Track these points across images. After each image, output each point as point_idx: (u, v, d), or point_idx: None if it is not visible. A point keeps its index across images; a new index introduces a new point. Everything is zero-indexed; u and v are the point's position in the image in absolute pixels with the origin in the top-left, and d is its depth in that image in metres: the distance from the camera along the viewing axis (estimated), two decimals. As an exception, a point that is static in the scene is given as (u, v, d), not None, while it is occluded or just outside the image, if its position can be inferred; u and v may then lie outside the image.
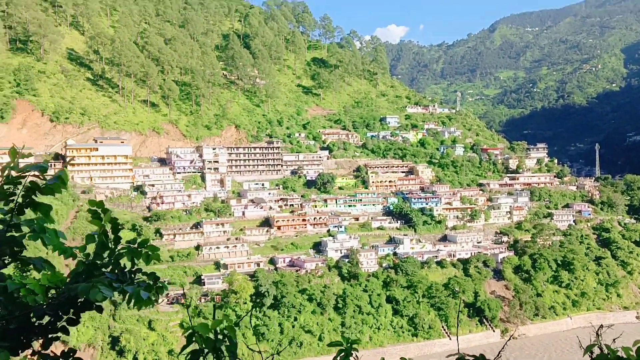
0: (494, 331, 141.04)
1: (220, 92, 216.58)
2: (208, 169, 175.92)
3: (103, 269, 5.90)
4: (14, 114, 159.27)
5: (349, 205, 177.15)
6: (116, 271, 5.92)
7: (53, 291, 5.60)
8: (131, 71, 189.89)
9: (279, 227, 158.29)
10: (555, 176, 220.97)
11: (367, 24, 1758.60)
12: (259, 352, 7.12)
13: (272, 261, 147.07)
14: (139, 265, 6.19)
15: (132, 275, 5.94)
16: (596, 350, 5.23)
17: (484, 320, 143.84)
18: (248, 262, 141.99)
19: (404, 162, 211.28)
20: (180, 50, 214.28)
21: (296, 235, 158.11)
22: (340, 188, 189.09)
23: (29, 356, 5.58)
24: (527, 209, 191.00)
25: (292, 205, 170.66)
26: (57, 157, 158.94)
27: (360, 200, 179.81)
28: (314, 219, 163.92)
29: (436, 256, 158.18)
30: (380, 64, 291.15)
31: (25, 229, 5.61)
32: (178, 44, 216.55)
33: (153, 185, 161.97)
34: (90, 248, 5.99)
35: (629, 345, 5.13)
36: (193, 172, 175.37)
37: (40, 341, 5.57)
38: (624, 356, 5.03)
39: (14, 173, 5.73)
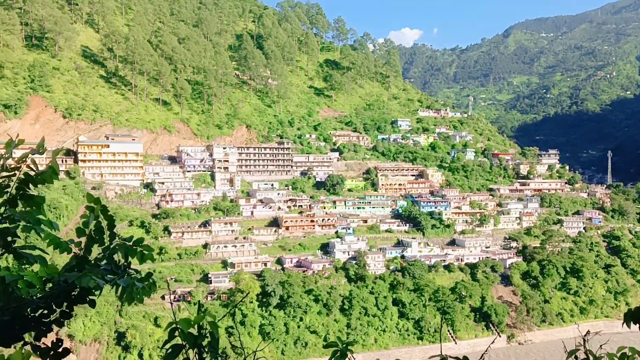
0: (500, 336, 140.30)
1: (232, 92, 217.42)
2: (218, 168, 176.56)
3: (98, 263, 5.95)
4: (28, 110, 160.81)
5: (358, 208, 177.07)
6: (110, 265, 5.98)
7: (50, 284, 5.65)
8: (144, 69, 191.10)
9: (287, 228, 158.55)
10: (566, 183, 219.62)
11: (381, 26, 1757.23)
12: (241, 347, 7.21)
13: (279, 261, 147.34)
14: (134, 264, 6.28)
15: (126, 269, 6.00)
16: (581, 356, 5.38)
17: (491, 325, 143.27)
18: (255, 261, 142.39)
19: (414, 165, 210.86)
20: (194, 50, 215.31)
21: (304, 236, 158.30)
22: (349, 190, 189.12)
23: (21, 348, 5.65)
24: (537, 215, 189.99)
25: (301, 206, 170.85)
26: (69, 153, 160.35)
27: (369, 202, 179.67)
28: (322, 220, 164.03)
29: (444, 260, 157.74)
30: (393, 67, 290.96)
31: (19, 222, 5.66)
32: (191, 43, 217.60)
33: (163, 183, 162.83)
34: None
35: (623, 352, 5.25)
36: (203, 171, 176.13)
37: (33, 334, 5.61)
38: None
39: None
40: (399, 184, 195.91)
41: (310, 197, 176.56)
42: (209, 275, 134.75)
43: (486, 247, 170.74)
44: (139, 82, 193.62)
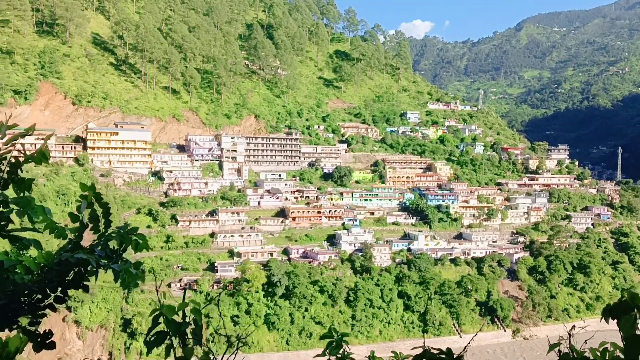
0: (505, 331, 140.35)
1: (242, 81, 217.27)
2: (226, 157, 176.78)
3: (93, 249, 5.97)
4: (38, 96, 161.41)
5: (365, 200, 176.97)
6: (105, 251, 5.98)
7: (46, 269, 5.66)
8: (154, 57, 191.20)
9: (293, 218, 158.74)
10: (575, 178, 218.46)
11: (392, 18, 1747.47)
12: (226, 335, 7.17)
13: (285, 251, 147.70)
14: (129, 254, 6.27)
15: (120, 255, 5.98)
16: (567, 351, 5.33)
17: (496, 319, 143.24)
18: (262, 251, 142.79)
19: (422, 158, 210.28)
20: (204, 39, 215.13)
21: (310, 227, 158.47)
22: (357, 182, 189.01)
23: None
24: (545, 210, 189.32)
25: (308, 197, 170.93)
26: (78, 139, 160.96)
27: (377, 194, 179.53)
28: (329, 211, 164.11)
29: (450, 254, 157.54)
30: (404, 58, 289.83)
31: (12, 206, 5.63)
32: (202, 32, 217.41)
33: (171, 172, 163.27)
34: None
35: (605, 347, 5.21)
36: (211, 160, 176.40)
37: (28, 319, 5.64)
38: (591, 357, 5.14)
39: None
40: (407, 177, 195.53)
41: (318, 189, 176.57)
42: (215, 264, 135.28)
43: (493, 242, 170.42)
44: (148, 70, 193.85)
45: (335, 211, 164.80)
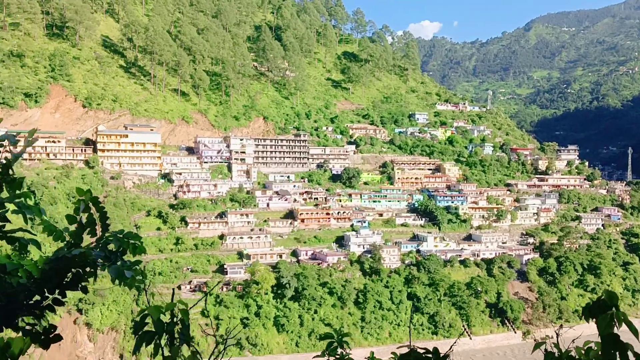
0: (515, 332, 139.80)
1: (250, 83, 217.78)
2: (235, 159, 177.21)
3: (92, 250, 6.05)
4: (48, 98, 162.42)
5: (374, 201, 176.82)
6: (104, 252, 6.08)
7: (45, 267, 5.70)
8: (163, 60, 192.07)
9: (302, 220, 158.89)
10: (585, 179, 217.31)
11: (400, 19, 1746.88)
12: (214, 335, 7.24)
13: (294, 253, 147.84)
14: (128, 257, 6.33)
15: (118, 258, 6.08)
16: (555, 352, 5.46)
17: (506, 321, 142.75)
18: (271, 253, 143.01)
19: (431, 159, 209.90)
20: (212, 41, 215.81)
21: (319, 229, 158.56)
22: (365, 183, 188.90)
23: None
24: (554, 211, 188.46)
25: (317, 198, 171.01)
26: (88, 142, 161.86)
27: (385, 196, 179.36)
28: (338, 213, 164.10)
29: (460, 255, 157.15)
30: (412, 59, 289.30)
31: (9, 205, 5.70)
32: (210, 34, 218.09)
33: (180, 174, 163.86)
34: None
35: (589, 346, 5.31)
36: (220, 162, 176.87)
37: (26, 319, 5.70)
38: (576, 356, 5.23)
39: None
40: (416, 178, 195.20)
41: (326, 190, 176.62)
42: (225, 266, 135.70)
43: (503, 243, 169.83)
44: (157, 73, 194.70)
45: (343, 213, 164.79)
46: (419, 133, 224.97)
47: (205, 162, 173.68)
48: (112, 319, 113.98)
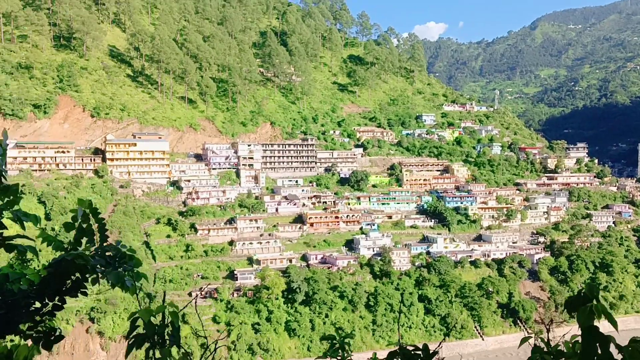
0: (527, 332, 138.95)
1: (257, 89, 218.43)
2: (243, 165, 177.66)
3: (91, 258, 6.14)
4: (57, 109, 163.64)
5: (383, 204, 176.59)
6: (103, 259, 6.17)
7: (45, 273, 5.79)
8: (170, 68, 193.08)
9: (311, 224, 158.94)
10: (595, 176, 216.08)
11: (405, 21, 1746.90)
12: (204, 337, 7.36)
13: (304, 258, 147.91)
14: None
15: (117, 264, 6.14)
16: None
17: (518, 321, 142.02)
18: (280, 258, 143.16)
19: (439, 160, 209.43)
20: (218, 48, 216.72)
21: (329, 233, 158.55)
22: (374, 186, 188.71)
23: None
24: (565, 209, 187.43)
25: (325, 202, 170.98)
26: (97, 151, 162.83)
27: (394, 198, 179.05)
28: (347, 216, 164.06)
29: (470, 256, 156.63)
30: (418, 61, 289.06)
31: (6, 214, 5.70)
32: (216, 41, 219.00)
33: (189, 181, 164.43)
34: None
35: (577, 339, 5.42)
36: (228, 168, 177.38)
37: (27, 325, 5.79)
38: (564, 350, 5.36)
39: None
40: (424, 179, 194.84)
41: (335, 194, 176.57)
42: (235, 272, 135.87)
43: (513, 243, 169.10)
44: (164, 81, 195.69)
45: (352, 216, 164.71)
46: (427, 134, 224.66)
47: (213, 169, 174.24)
48: (124, 327, 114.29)
